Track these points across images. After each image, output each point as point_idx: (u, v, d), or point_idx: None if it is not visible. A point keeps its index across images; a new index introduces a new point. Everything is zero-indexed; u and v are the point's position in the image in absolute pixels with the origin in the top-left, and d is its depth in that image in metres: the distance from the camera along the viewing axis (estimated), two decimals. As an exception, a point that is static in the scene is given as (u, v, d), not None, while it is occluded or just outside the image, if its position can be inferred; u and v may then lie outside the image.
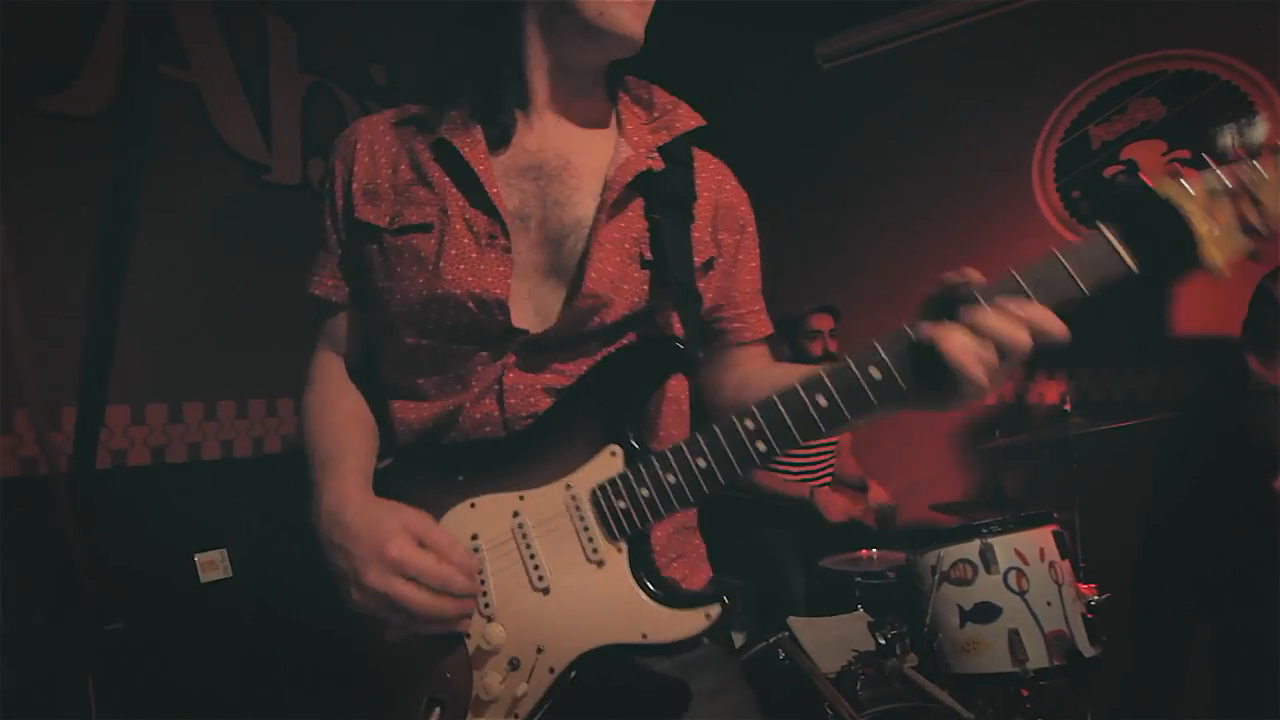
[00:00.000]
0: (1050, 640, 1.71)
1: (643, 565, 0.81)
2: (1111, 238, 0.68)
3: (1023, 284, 0.69)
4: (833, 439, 2.82)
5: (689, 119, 0.96)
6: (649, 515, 0.80)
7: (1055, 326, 0.68)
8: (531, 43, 0.90)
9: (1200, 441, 2.41)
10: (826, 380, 0.74)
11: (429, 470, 0.90)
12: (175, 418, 1.73)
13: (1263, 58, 2.52)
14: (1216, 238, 0.65)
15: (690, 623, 0.78)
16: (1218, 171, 0.66)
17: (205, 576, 1.17)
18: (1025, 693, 1.76)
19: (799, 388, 0.76)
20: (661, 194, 0.92)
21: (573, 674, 0.80)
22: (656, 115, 0.97)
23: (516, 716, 0.80)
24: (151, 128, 1.62)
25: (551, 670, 0.80)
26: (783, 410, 0.76)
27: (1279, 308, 1.98)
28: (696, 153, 0.99)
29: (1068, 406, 2.07)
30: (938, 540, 1.86)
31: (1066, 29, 2.85)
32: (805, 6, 3.07)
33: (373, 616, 0.81)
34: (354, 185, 0.92)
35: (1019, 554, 1.78)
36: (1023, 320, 0.67)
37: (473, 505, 0.86)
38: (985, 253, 2.99)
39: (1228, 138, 0.67)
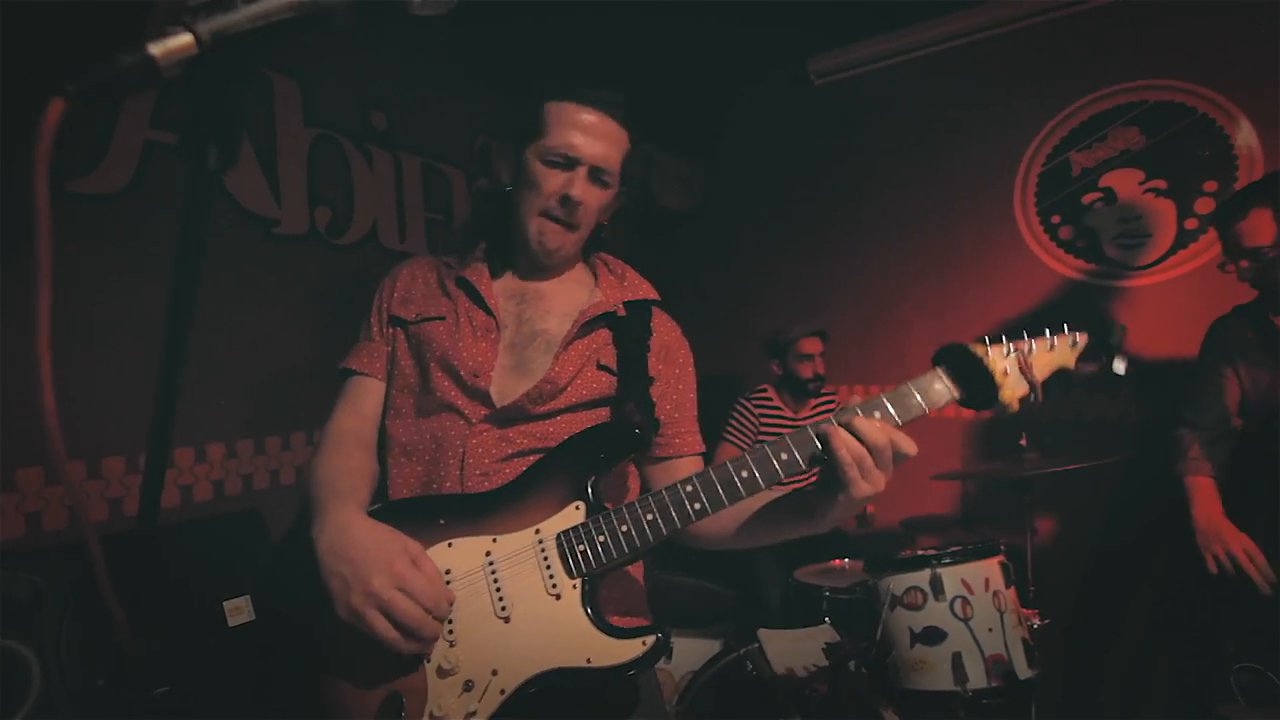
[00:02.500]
0: (990, 663, 1.88)
1: (593, 601, 1.00)
2: (943, 375, 1.00)
3: (886, 402, 0.97)
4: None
5: (649, 292, 1.28)
6: (604, 557, 1.00)
7: (908, 446, 0.93)
8: (518, 228, 1.21)
9: (1157, 474, 2.54)
10: (749, 458, 0.99)
11: (416, 513, 1.09)
12: (200, 458, 1.93)
13: (1240, 92, 2.57)
14: (1009, 384, 0.99)
15: (629, 649, 0.96)
16: (1009, 343, 1.01)
17: (233, 621, 1.37)
18: (987, 701, 1.93)
19: (728, 463, 0.99)
20: (624, 329, 1.21)
21: (532, 690, 0.95)
22: (626, 285, 1.27)
23: None
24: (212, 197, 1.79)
25: (502, 691, 0.95)
26: (714, 478, 1.00)
27: (1227, 350, 2.08)
28: (655, 309, 1.28)
29: (1023, 442, 2.21)
30: (893, 567, 2.02)
31: (1052, 55, 2.90)
32: (800, 25, 3.13)
33: (357, 624, 0.94)
34: (395, 295, 1.24)
35: (965, 584, 1.94)
36: (887, 433, 0.92)
37: (450, 545, 1.04)
38: (967, 274, 3.10)
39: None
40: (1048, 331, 1.02)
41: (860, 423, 0.92)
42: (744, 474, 0.98)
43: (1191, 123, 2.66)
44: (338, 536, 0.99)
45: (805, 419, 2.92)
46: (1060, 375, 1.02)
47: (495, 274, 1.24)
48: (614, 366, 1.18)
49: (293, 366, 2.05)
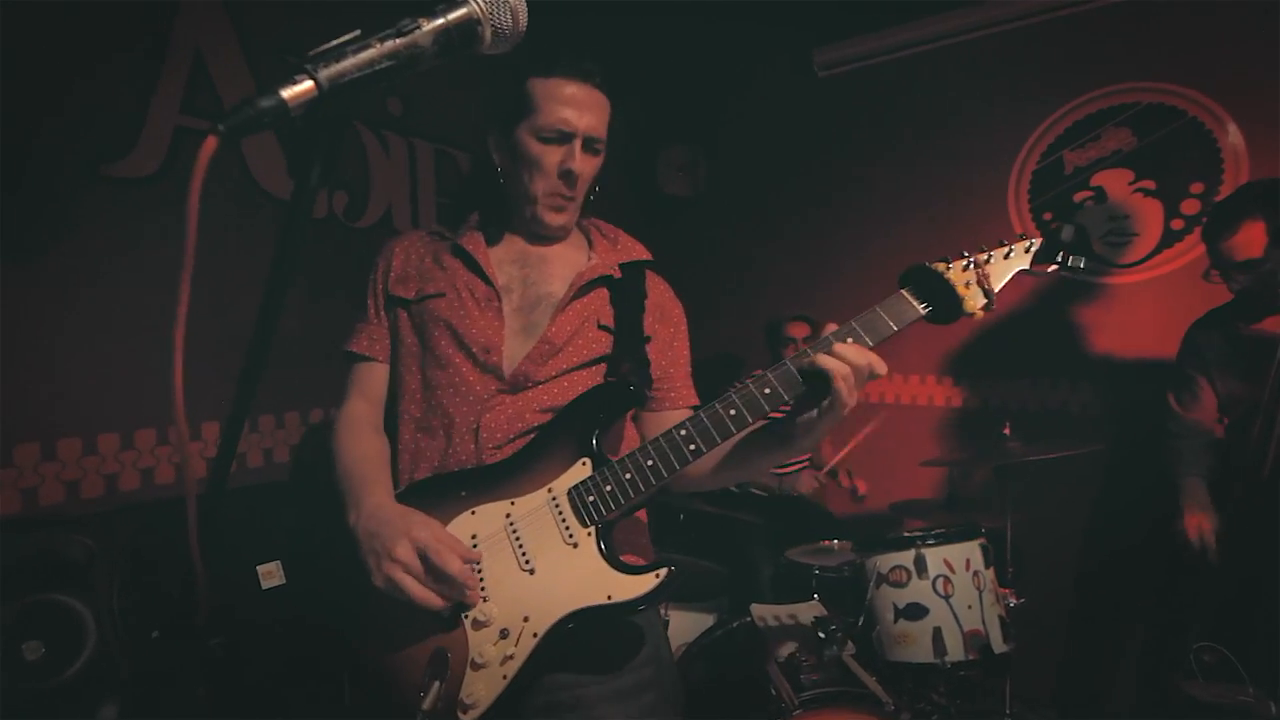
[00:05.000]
0: (968, 638, 2.00)
1: (607, 544, 1.09)
2: (908, 295, 1.07)
3: (856, 326, 1.05)
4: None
5: (642, 253, 1.34)
6: (612, 504, 1.09)
7: (879, 366, 1.03)
8: (518, 204, 1.25)
9: (1132, 465, 2.66)
10: (735, 397, 1.06)
11: (439, 489, 1.18)
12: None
13: (1229, 95, 2.66)
14: (970, 294, 1.07)
15: (645, 583, 1.05)
16: (969, 256, 1.08)
17: (266, 584, 1.46)
18: (964, 674, 2.06)
19: (715, 404, 1.08)
20: (621, 290, 1.27)
21: (566, 626, 1.05)
22: (619, 248, 1.32)
23: (506, 677, 1.05)
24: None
25: (535, 635, 1.05)
26: (706, 420, 1.07)
27: (1201, 356, 2.18)
28: (649, 272, 1.33)
29: (1006, 430, 2.32)
30: (880, 547, 2.13)
31: (1050, 55, 2.97)
32: (803, 15, 3.19)
33: (391, 589, 1.04)
34: (391, 275, 1.27)
35: (947, 563, 2.06)
36: (863, 354, 1.02)
37: (473, 513, 1.14)
38: (959, 267, 3.19)
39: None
40: (1003, 241, 1.10)
41: (841, 347, 1.01)
42: (732, 412, 1.06)
43: (1181, 125, 2.74)
44: (370, 520, 1.09)
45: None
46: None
47: (492, 241, 1.27)
48: (613, 326, 1.24)
49: (312, 345, 2.13)
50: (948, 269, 1.07)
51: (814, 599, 2.44)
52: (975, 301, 1.06)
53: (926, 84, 3.24)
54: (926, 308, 1.06)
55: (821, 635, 2.01)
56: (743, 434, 1.11)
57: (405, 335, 1.26)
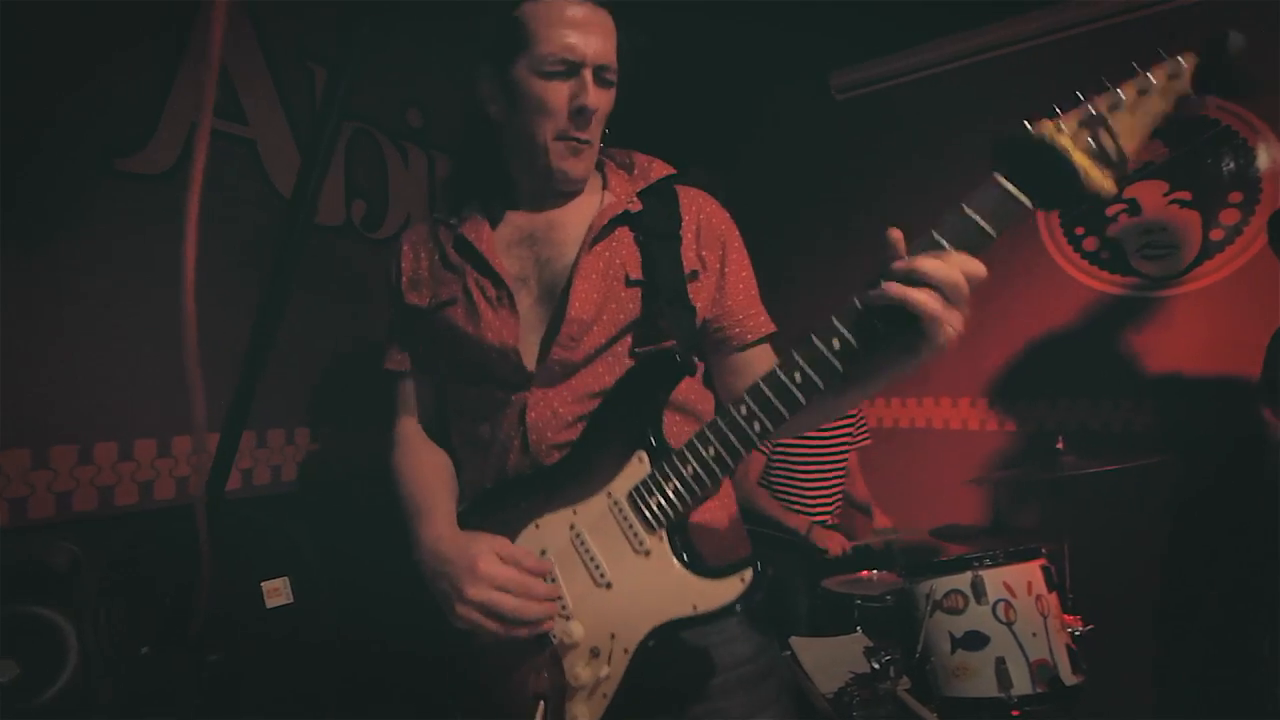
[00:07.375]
0: (1034, 669, 1.83)
1: (683, 548, 0.95)
2: (1005, 182, 0.76)
3: (941, 240, 0.78)
4: (842, 461, 2.94)
5: (663, 169, 1.15)
6: (678, 505, 0.94)
7: (975, 267, 0.77)
8: (524, 158, 1.10)
9: (1205, 481, 2.50)
10: (798, 358, 0.85)
11: (498, 503, 1.08)
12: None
13: (1262, 105, 2.60)
14: (1094, 167, 0.73)
15: (730, 588, 0.90)
16: (1085, 103, 0.75)
17: (271, 603, 1.33)
18: (1016, 713, 1.87)
19: (777, 369, 0.87)
20: (645, 226, 1.08)
21: (650, 643, 0.94)
22: (636, 172, 1.14)
23: (606, 695, 0.95)
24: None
25: (626, 651, 0.95)
26: (767, 391, 0.86)
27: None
28: (679, 187, 1.15)
29: (1060, 445, 2.18)
30: (932, 571, 1.97)
31: (1073, 68, 2.94)
32: (820, 38, 3.19)
33: (473, 627, 0.96)
34: (403, 280, 1.17)
35: (1008, 587, 1.90)
36: (954, 264, 0.76)
37: (537, 526, 1.03)
38: (989, 287, 3.09)
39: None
40: (1136, 67, 0.75)
41: (923, 263, 0.76)
42: (798, 378, 0.84)
43: (1215, 135, 2.68)
44: (430, 557, 1.02)
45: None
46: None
47: (497, 220, 1.12)
48: (641, 276, 1.06)
49: (328, 355, 2.04)
50: (1058, 130, 0.74)
51: (857, 631, 2.27)
52: (1102, 177, 0.72)
53: (947, 103, 3.21)
54: (1034, 198, 0.75)
55: (875, 666, 1.84)
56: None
57: (428, 345, 1.18)
